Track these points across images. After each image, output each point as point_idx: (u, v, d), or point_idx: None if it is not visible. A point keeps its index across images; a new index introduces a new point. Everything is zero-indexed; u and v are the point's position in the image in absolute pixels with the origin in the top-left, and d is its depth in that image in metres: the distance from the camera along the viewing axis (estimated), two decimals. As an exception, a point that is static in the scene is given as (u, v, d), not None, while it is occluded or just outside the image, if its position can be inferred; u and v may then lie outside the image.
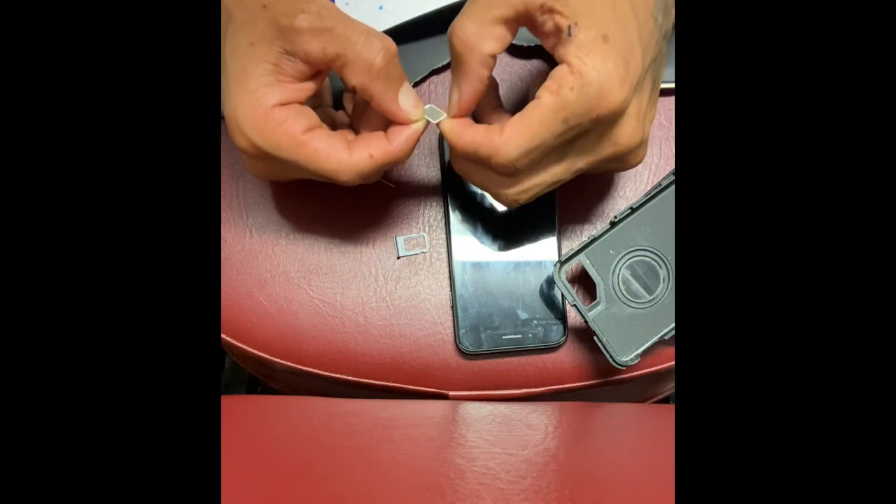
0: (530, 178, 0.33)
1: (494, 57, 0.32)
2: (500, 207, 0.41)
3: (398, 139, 0.34)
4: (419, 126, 0.34)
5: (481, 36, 0.31)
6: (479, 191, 0.41)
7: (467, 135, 0.33)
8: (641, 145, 0.34)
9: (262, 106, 0.32)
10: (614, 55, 0.29)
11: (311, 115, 0.33)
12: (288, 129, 0.32)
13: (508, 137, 0.31)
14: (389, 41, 0.32)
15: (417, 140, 0.34)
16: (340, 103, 0.39)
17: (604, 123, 0.31)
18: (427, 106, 0.34)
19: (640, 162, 0.35)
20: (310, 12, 0.31)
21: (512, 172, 0.32)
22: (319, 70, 0.33)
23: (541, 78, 0.32)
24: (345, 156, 0.33)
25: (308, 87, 0.33)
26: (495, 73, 0.42)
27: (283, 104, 0.32)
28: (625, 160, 0.34)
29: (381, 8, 0.40)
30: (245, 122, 0.32)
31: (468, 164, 0.35)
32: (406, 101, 0.33)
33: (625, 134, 0.32)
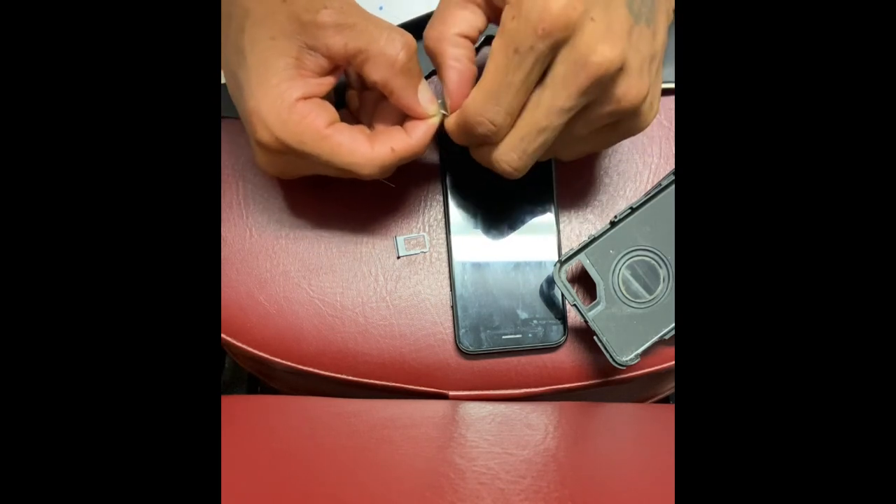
0: (515, 133, 0.32)
1: (467, 37, 0.32)
2: (501, 207, 0.41)
3: (417, 133, 0.34)
4: (436, 120, 0.35)
5: (444, 22, 0.32)
6: (479, 191, 0.41)
7: (452, 115, 0.34)
8: (627, 72, 0.30)
9: (286, 100, 0.32)
10: None
11: (331, 110, 0.33)
12: (311, 123, 0.32)
13: (474, 93, 0.32)
14: (410, 37, 0.32)
15: (434, 133, 0.35)
16: (342, 100, 0.39)
17: (558, 40, 0.29)
18: (440, 100, 0.35)
19: (639, 104, 0.31)
20: (332, 8, 0.31)
21: (493, 131, 0.32)
22: (338, 65, 0.33)
23: None
24: (367, 149, 0.33)
25: (328, 82, 0.33)
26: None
27: (305, 98, 0.32)
28: (614, 95, 0.31)
29: (380, 8, 0.40)
30: (269, 116, 0.32)
31: (471, 146, 0.35)
32: (424, 96, 0.34)
33: (594, 51, 0.29)
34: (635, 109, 0.32)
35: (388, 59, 0.32)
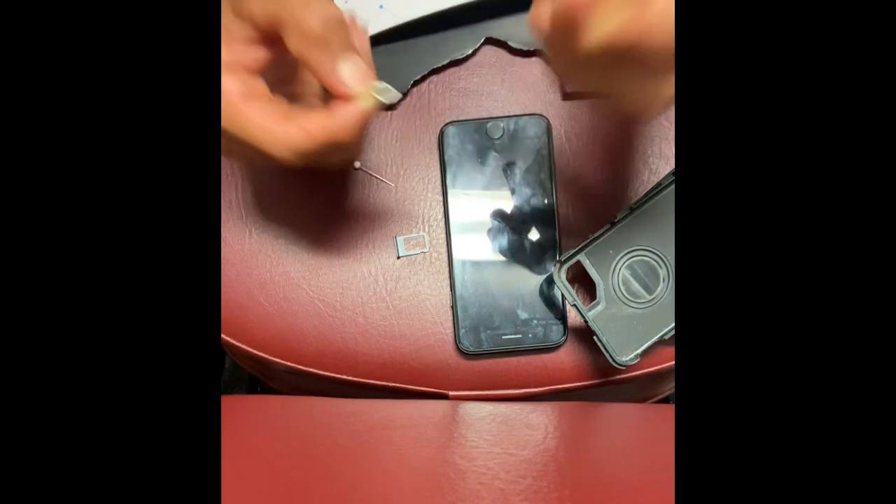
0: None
1: None
2: (500, 206, 0.41)
3: (337, 115, 0.31)
4: (364, 103, 0.30)
5: None
6: (478, 191, 0.41)
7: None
8: None
9: None
10: None
11: (257, 84, 0.31)
12: (223, 91, 0.30)
13: None
14: (336, 9, 0.30)
15: (364, 120, 0.31)
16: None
17: None
18: (379, 83, 0.31)
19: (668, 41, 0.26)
20: None
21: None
22: (268, 35, 0.31)
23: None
24: (275, 127, 0.30)
25: (257, 52, 0.31)
26: (497, 74, 0.42)
27: (226, 65, 0.30)
28: None
29: (381, 7, 0.40)
30: None
31: (589, 69, 0.28)
32: (349, 73, 0.30)
33: None
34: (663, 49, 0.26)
35: (300, 27, 0.29)
